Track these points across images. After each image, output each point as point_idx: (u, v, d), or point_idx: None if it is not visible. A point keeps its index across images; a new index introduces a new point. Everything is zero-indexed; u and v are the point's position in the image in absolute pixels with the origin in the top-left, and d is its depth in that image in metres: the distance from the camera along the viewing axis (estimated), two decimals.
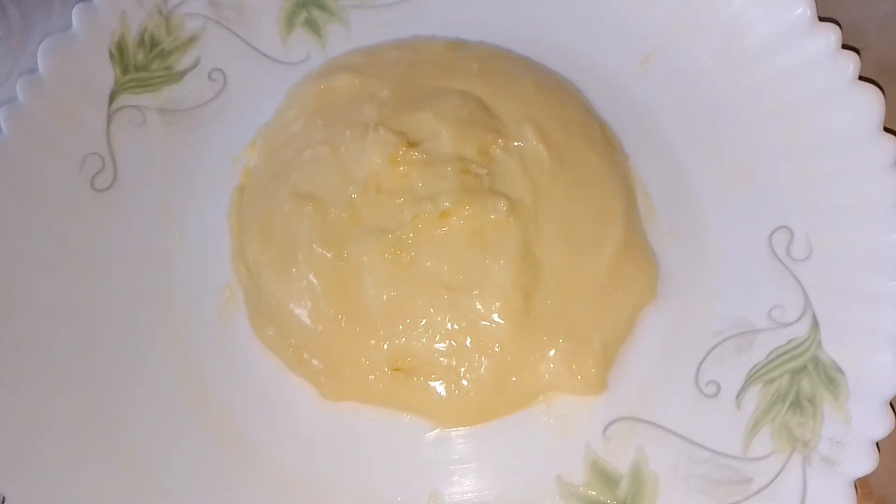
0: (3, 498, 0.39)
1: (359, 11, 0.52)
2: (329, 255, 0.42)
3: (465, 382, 0.41)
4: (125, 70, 0.49)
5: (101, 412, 0.42)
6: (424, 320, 0.42)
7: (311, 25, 0.52)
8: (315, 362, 0.43)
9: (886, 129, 0.43)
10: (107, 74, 0.49)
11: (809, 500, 0.37)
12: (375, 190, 0.43)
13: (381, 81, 0.47)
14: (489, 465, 0.41)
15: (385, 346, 0.42)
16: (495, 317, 0.41)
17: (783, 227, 0.44)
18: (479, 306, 0.41)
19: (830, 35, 0.44)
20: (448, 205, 0.42)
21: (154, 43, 0.50)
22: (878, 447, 0.38)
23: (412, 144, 0.44)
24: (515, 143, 0.44)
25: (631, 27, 0.47)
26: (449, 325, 0.41)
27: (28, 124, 0.46)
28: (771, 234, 0.44)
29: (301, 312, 0.43)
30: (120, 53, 0.49)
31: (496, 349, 0.41)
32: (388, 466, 0.42)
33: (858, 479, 0.38)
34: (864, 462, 0.37)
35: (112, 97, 0.49)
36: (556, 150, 0.44)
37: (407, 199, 0.43)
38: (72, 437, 0.41)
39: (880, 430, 0.38)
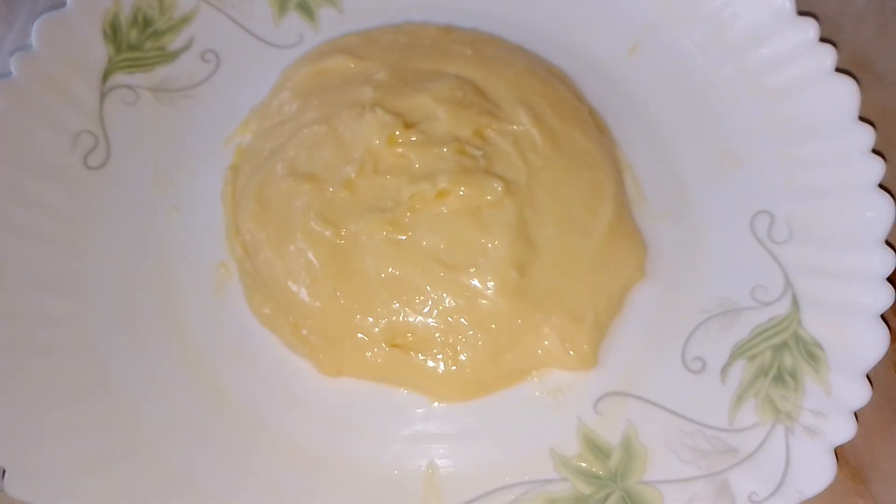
0: (3, 470, 0.39)
1: None
2: (327, 232, 0.43)
3: (461, 358, 0.42)
4: (118, 49, 0.49)
5: (95, 383, 0.43)
6: (421, 297, 0.42)
7: (304, 8, 0.53)
8: (313, 338, 0.43)
9: (861, 119, 0.45)
10: (100, 53, 0.49)
11: (792, 467, 0.39)
12: (373, 169, 0.44)
13: (377, 63, 0.48)
14: (485, 438, 0.42)
15: (383, 323, 0.43)
16: (491, 294, 0.42)
17: (764, 211, 0.46)
18: (475, 284, 0.42)
19: (809, 28, 0.47)
20: (445, 185, 0.43)
21: (147, 22, 0.50)
22: (856, 417, 0.40)
23: (409, 125, 0.45)
24: (510, 126, 0.45)
25: (620, 17, 0.49)
26: (445, 303, 0.42)
27: (21, 100, 0.46)
28: (753, 218, 0.46)
29: (299, 289, 0.43)
30: (113, 32, 0.49)
31: (491, 326, 0.42)
32: (385, 440, 0.42)
33: (836, 449, 0.39)
34: (845, 430, 0.39)
35: (105, 76, 0.49)
36: (549, 134, 0.46)
37: (404, 179, 0.43)
38: (69, 411, 0.42)
39: (859, 400, 0.40)
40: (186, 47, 0.51)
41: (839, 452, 0.41)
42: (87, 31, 0.49)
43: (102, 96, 0.49)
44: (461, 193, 0.43)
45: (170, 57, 0.51)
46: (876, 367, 0.40)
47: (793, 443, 0.40)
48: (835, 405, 0.40)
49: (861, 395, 0.40)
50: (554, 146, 0.45)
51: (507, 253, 0.42)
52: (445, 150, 0.44)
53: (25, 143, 0.46)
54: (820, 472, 0.39)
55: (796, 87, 0.46)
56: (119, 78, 0.49)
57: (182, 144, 0.49)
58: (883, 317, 0.41)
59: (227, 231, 0.47)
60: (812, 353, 0.42)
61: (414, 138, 0.44)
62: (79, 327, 0.44)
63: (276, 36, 0.52)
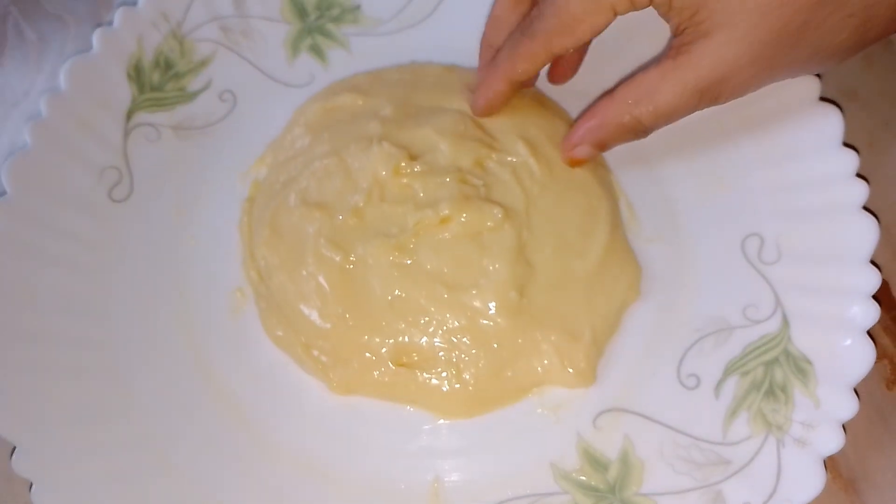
0: (31, 484, 0.41)
1: (359, 38, 0.56)
2: (337, 257, 0.45)
3: (465, 376, 0.44)
4: (142, 89, 0.53)
5: (121, 403, 0.45)
6: (426, 318, 0.45)
7: (316, 50, 0.56)
8: (323, 358, 0.45)
9: (846, 144, 0.47)
10: (124, 93, 0.52)
11: (784, 477, 0.40)
12: (380, 198, 0.47)
13: (383, 100, 0.51)
14: (488, 452, 0.44)
15: (389, 343, 0.45)
16: (492, 314, 0.44)
17: (754, 233, 0.48)
18: (476, 304, 0.44)
19: None
20: (447, 211, 0.45)
21: (168, 65, 0.54)
22: (844, 429, 0.41)
23: (413, 157, 0.47)
24: (508, 157, 0.48)
25: (611, 51, 0.51)
26: (449, 323, 0.44)
27: (51, 138, 0.49)
28: (744, 240, 0.48)
29: (310, 311, 0.45)
30: (137, 74, 0.53)
31: (493, 345, 0.44)
32: (392, 455, 0.44)
33: (828, 461, 0.41)
34: (833, 441, 0.40)
35: (129, 115, 0.52)
36: (545, 163, 0.48)
37: (409, 207, 0.46)
38: (94, 429, 0.44)
39: (847, 412, 0.41)
40: (205, 88, 0.54)
41: (832, 465, 0.42)
42: (113, 74, 0.52)
43: (126, 134, 0.52)
44: (463, 219, 0.45)
45: (189, 97, 0.54)
46: (868, 383, 0.42)
47: (784, 454, 0.41)
48: (823, 417, 0.41)
49: (848, 407, 0.41)
50: (550, 174, 0.48)
51: (506, 275, 0.44)
52: (448, 179, 0.46)
53: (55, 177, 0.49)
54: (810, 480, 0.40)
55: (783, 114, 0.49)
56: (142, 117, 0.52)
57: (201, 179, 0.52)
58: (870, 333, 0.43)
59: (244, 258, 0.49)
60: (801, 367, 0.43)
61: (418, 168, 0.47)
62: (103, 349, 0.46)
63: (290, 76, 0.55)
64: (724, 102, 0.43)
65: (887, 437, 0.45)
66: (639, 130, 0.44)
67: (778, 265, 0.47)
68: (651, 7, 0.42)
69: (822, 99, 0.48)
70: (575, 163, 0.48)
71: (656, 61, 0.43)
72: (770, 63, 0.41)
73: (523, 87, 0.49)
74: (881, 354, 0.42)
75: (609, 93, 0.44)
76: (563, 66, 0.51)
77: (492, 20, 0.49)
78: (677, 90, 0.42)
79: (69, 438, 0.43)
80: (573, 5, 0.42)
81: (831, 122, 0.47)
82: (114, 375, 0.46)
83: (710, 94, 0.42)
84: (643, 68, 0.43)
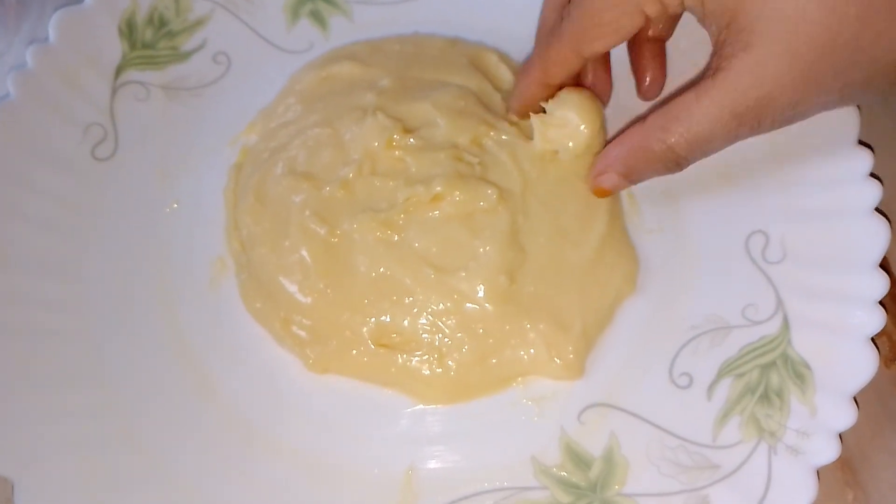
0: None
1: (363, 6, 0.54)
2: (322, 230, 0.44)
3: (447, 361, 0.43)
4: (133, 46, 0.51)
5: (88, 369, 0.43)
6: (410, 298, 0.43)
7: (316, 16, 0.54)
8: (302, 334, 0.44)
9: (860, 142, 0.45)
10: (115, 49, 0.51)
11: (774, 486, 0.39)
12: (370, 171, 0.45)
13: (382, 71, 0.49)
14: (466, 442, 0.42)
15: (371, 322, 0.43)
16: (479, 298, 0.43)
17: (759, 231, 0.46)
18: (464, 287, 0.43)
19: None
20: (440, 189, 0.43)
21: (162, 22, 0.52)
22: (840, 439, 0.39)
23: (408, 130, 0.45)
24: (505, 137, 0.46)
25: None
26: (434, 305, 0.43)
27: (35, 90, 0.48)
28: (748, 238, 0.46)
29: (291, 284, 0.44)
30: (129, 30, 0.51)
31: (479, 330, 0.43)
32: (367, 439, 0.42)
33: None
34: (828, 452, 0.39)
35: (118, 71, 0.50)
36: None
37: (400, 182, 0.44)
38: (61, 396, 0.42)
39: (844, 423, 0.39)
40: (199, 48, 0.52)
41: None
42: (104, 28, 0.50)
43: (114, 91, 0.50)
44: (456, 198, 0.43)
45: (182, 57, 0.52)
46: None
47: (775, 462, 0.39)
48: (819, 426, 0.39)
49: (846, 417, 0.39)
50: (550, 157, 0.46)
51: (497, 259, 0.43)
52: (442, 155, 0.44)
53: (37, 132, 0.47)
54: (801, 491, 0.38)
55: None
56: (131, 74, 0.51)
57: (189, 142, 0.50)
58: (874, 341, 0.41)
59: (227, 227, 0.48)
60: (799, 372, 0.41)
61: (412, 142, 0.45)
62: (75, 312, 0.45)
63: (288, 41, 0.53)
64: (767, 130, 0.38)
65: (884, 415, 0.43)
66: (671, 161, 0.40)
67: (782, 265, 0.45)
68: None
69: None
70: (600, 192, 0.44)
71: (696, 81, 0.39)
72: (818, 84, 0.36)
73: (562, 89, 0.45)
74: (880, 331, 0.40)
75: (641, 118, 0.41)
76: (642, 78, 0.47)
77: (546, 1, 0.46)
78: (712, 114, 0.37)
79: (33, 402, 0.42)
80: (598, 6, 0.39)
81: (847, 119, 0.45)
82: (85, 340, 0.44)
83: (750, 120, 0.37)
84: (682, 90, 0.39)
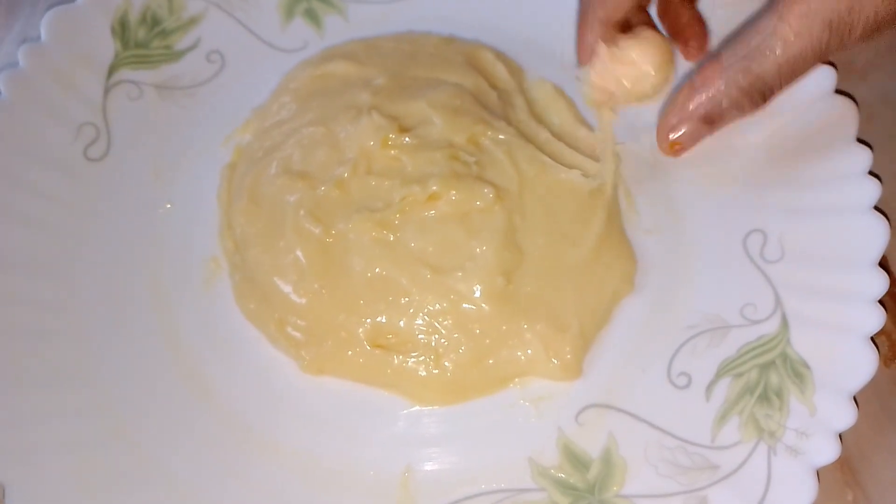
0: None
1: (358, 5, 0.54)
2: (317, 230, 0.43)
3: (444, 362, 0.42)
4: (126, 45, 0.51)
5: (80, 370, 0.43)
6: (407, 299, 0.42)
7: (311, 15, 0.53)
8: (297, 335, 0.43)
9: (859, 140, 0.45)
10: (107, 48, 0.50)
11: (773, 486, 0.38)
12: (366, 171, 0.44)
13: (377, 70, 0.49)
14: (463, 443, 0.42)
15: (367, 322, 0.43)
16: (476, 299, 0.42)
17: (758, 229, 0.45)
18: (461, 288, 0.42)
19: None
20: (436, 188, 0.43)
21: (156, 21, 0.51)
22: (840, 439, 0.39)
23: (404, 129, 0.45)
24: (501, 136, 0.46)
25: None
26: (430, 305, 0.42)
27: (27, 90, 0.47)
28: (746, 236, 0.45)
29: (286, 285, 0.43)
30: (122, 29, 0.51)
31: (476, 331, 0.42)
32: (363, 441, 0.42)
33: None
34: (827, 452, 0.38)
35: (111, 70, 0.50)
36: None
37: (396, 181, 0.44)
38: (49, 393, 0.42)
39: (844, 423, 0.39)
40: (193, 47, 0.52)
41: None
42: (96, 27, 0.50)
43: (107, 91, 0.50)
44: (452, 198, 0.43)
45: (176, 56, 0.52)
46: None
47: (774, 462, 0.39)
48: (818, 426, 0.39)
49: (846, 416, 0.39)
50: (548, 156, 0.45)
51: (494, 258, 0.42)
52: (438, 154, 0.44)
53: (29, 131, 0.47)
54: (801, 491, 0.38)
55: (795, 106, 0.46)
56: (124, 73, 0.50)
57: (182, 141, 0.50)
58: (874, 340, 0.40)
59: (221, 227, 0.47)
60: (799, 372, 0.41)
61: (408, 141, 0.45)
62: (68, 313, 0.44)
63: (282, 40, 0.53)
64: (857, 39, 0.35)
65: (884, 415, 0.43)
66: (758, 94, 0.37)
67: (780, 264, 0.44)
68: None
69: (838, 92, 0.46)
70: (675, 148, 0.42)
71: (770, 7, 0.36)
72: None
73: (625, 30, 0.43)
74: (880, 330, 0.40)
75: (714, 56, 0.38)
76: (686, 39, 0.45)
77: None
78: (801, 29, 0.34)
79: (25, 403, 0.41)
80: None
81: (846, 117, 0.45)
82: (77, 341, 0.44)
83: (842, 27, 0.34)
84: (754, 19, 0.37)
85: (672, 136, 0.41)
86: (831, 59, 0.44)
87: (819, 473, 0.38)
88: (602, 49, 0.42)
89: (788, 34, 0.35)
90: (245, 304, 0.45)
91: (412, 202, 0.43)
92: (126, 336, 0.45)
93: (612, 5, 0.41)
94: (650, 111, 0.49)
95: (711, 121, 0.40)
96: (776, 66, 0.36)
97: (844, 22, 0.35)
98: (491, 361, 0.42)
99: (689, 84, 0.40)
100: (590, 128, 0.49)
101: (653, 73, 0.42)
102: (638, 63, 0.42)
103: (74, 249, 0.46)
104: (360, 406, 0.43)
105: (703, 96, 0.39)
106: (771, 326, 0.43)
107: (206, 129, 0.50)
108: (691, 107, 0.40)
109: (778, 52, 0.36)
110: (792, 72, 0.37)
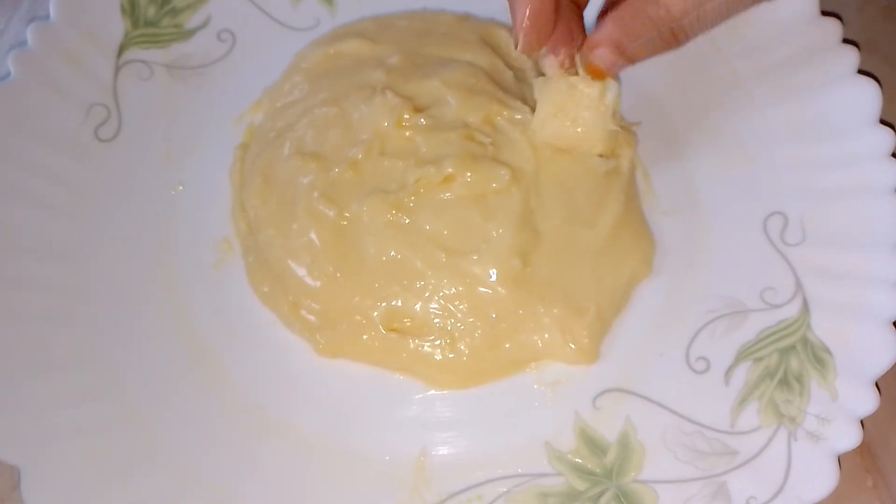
0: None
1: None
2: (331, 212, 0.43)
3: (459, 346, 0.42)
4: (135, 24, 0.50)
5: (93, 354, 0.43)
6: (422, 282, 0.42)
7: None
8: (311, 318, 0.43)
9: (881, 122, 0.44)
10: (117, 27, 0.49)
11: (793, 473, 0.38)
12: (380, 152, 0.44)
13: (391, 48, 0.48)
14: (479, 427, 0.42)
15: (381, 306, 0.42)
16: (492, 282, 0.42)
17: (778, 212, 0.45)
18: (476, 271, 0.42)
19: (832, 29, 0.45)
20: (451, 170, 0.42)
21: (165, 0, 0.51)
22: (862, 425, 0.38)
23: (418, 109, 0.44)
24: (520, 115, 0.45)
25: None
26: (446, 289, 0.42)
27: (36, 69, 0.47)
28: (766, 219, 0.45)
29: (300, 268, 0.43)
30: (132, 7, 0.50)
31: (492, 315, 0.42)
32: (378, 424, 0.42)
33: None
34: (849, 437, 0.38)
35: (121, 50, 0.49)
36: None
37: (410, 163, 0.43)
38: (62, 377, 0.42)
39: (866, 408, 0.38)
40: (203, 26, 0.51)
41: None
42: (105, 5, 0.49)
43: (117, 70, 0.49)
44: (467, 179, 0.42)
45: (186, 35, 0.51)
46: None
47: (795, 448, 0.39)
48: (840, 411, 0.39)
49: (868, 402, 0.38)
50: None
51: (510, 241, 0.42)
52: (453, 135, 0.43)
53: (38, 112, 0.47)
54: (822, 478, 0.37)
55: (815, 87, 0.45)
56: (134, 53, 0.49)
57: (193, 121, 0.49)
58: None
59: (233, 208, 0.47)
60: (820, 357, 0.40)
61: (423, 121, 0.44)
62: (79, 296, 0.44)
63: (294, 18, 0.52)
64: None
65: None
66: (670, 33, 0.35)
67: (801, 247, 0.44)
68: None
69: (860, 72, 0.45)
70: (594, 72, 0.39)
71: None
72: None
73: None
74: None
75: None
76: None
77: None
78: None
79: (38, 388, 0.41)
80: None
81: (868, 98, 0.44)
82: (89, 325, 0.43)
83: None
84: None
85: (590, 58, 0.39)
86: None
87: (839, 459, 0.38)
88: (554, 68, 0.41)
89: None
90: (259, 287, 0.44)
91: (427, 184, 0.42)
92: (138, 320, 0.44)
93: None
94: (664, 87, 0.48)
95: (623, 50, 0.38)
96: (684, 6, 0.34)
97: None
98: (507, 345, 0.42)
99: (611, 11, 0.38)
100: None
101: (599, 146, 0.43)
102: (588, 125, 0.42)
103: (85, 232, 0.46)
104: (376, 390, 0.43)
105: (616, 24, 0.37)
106: (791, 311, 0.42)
107: (217, 109, 0.50)
108: (605, 33, 0.38)
109: None
110: (701, 17, 0.35)
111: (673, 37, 0.36)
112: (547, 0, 0.37)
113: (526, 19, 0.38)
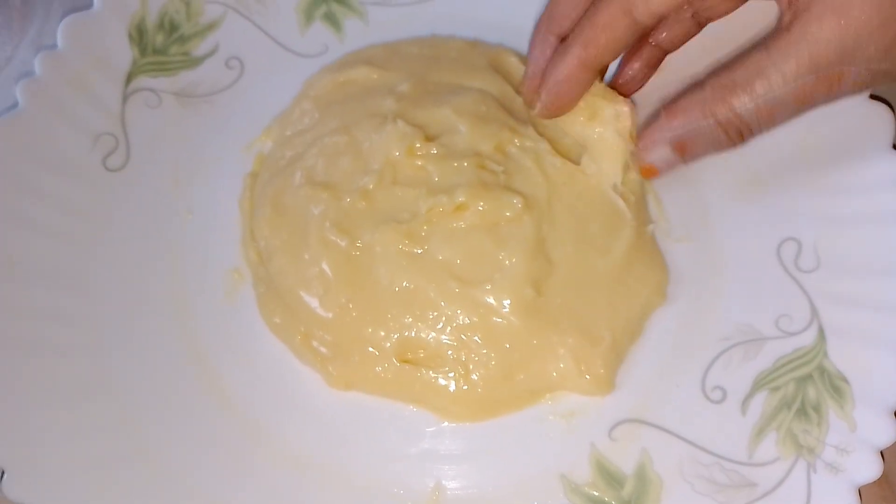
0: (3, 472, 0.38)
1: (378, 8, 0.53)
2: (342, 242, 0.42)
3: (473, 377, 0.41)
4: (143, 52, 0.49)
5: (102, 384, 0.42)
6: (435, 312, 0.42)
7: (331, 19, 0.52)
8: (323, 350, 0.43)
9: None
10: (125, 55, 0.49)
11: None
12: (391, 181, 0.43)
13: (400, 75, 0.48)
14: (494, 460, 0.41)
15: (394, 337, 0.42)
16: (505, 312, 0.41)
17: (792, 238, 0.44)
18: (490, 301, 0.41)
19: None
20: (463, 199, 0.42)
21: (173, 27, 0.50)
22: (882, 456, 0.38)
23: (430, 138, 0.44)
24: (529, 143, 0.45)
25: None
26: (459, 319, 0.41)
27: (44, 98, 0.46)
28: (780, 245, 0.44)
29: (312, 298, 0.42)
30: (139, 35, 0.50)
31: (505, 345, 0.41)
32: (391, 457, 0.41)
33: None
34: (869, 469, 0.38)
35: (129, 78, 0.49)
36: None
37: (422, 191, 0.43)
38: (72, 412, 0.41)
39: (885, 439, 0.38)
40: (211, 53, 0.51)
41: None
42: (113, 34, 0.49)
43: (125, 98, 0.49)
44: (480, 208, 0.42)
45: (194, 62, 0.50)
46: None
47: (814, 479, 0.38)
48: (859, 442, 0.38)
49: (887, 432, 0.38)
50: (575, 164, 0.44)
51: (523, 270, 0.41)
52: (465, 163, 0.43)
53: (46, 141, 0.46)
54: None
55: (828, 112, 0.45)
56: (142, 81, 0.49)
57: (202, 150, 0.49)
58: None
59: (243, 237, 0.46)
60: (837, 386, 0.40)
61: (434, 151, 0.44)
62: (87, 326, 0.44)
63: (302, 45, 0.52)
64: (848, 92, 0.33)
65: None
66: (735, 132, 0.35)
67: (816, 274, 0.43)
68: None
69: (873, 97, 0.45)
70: (648, 171, 0.40)
71: (764, 40, 0.34)
72: None
73: (598, 76, 0.41)
74: None
75: (699, 83, 0.36)
76: (632, 68, 0.44)
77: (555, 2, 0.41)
78: (788, 70, 0.32)
79: (43, 419, 0.40)
80: None
81: (882, 123, 0.44)
82: (96, 356, 0.43)
83: (831, 76, 0.32)
84: (748, 51, 0.35)
85: (645, 158, 0.39)
86: None
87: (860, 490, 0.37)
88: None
89: (774, 75, 0.33)
90: (270, 318, 0.44)
91: (439, 213, 0.42)
92: (147, 349, 0.44)
93: (603, 43, 0.37)
94: None
95: (684, 149, 0.37)
96: (756, 108, 0.34)
97: (835, 68, 0.33)
98: (521, 376, 0.42)
99: (666, 107, 0.38)
100: None
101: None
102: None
103: (94, 261, 0.45)
104: (389, 422, 0.42)
105: (679, 121, 0.37)
106: (807, 339, 0.42)
107: (226, 136, 0.49)
108: (666, 131, 0.38)
109: (760, 91, 0.34)
110: (770, 115, 0.35)
111: (739, 138, 0.36)
112: (590, 63, 0.37)
113: (558, 83, 0.38)
